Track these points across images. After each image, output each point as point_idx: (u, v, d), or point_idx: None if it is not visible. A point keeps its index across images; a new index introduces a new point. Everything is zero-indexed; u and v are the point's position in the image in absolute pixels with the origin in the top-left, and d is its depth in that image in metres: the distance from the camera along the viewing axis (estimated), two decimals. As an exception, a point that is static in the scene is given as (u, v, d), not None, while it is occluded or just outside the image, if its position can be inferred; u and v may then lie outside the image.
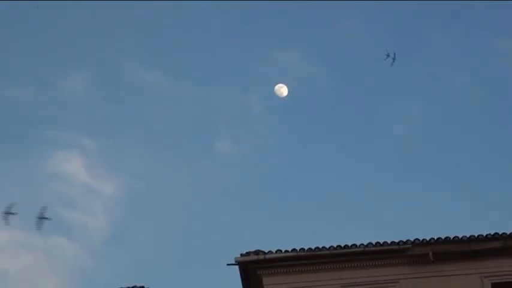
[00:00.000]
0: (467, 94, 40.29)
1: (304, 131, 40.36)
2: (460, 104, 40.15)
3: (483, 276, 19.15)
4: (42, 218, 23.92)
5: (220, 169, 41.14)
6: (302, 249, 19.34)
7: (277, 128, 40.97)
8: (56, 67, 41.25)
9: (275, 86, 32.94)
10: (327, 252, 19.31)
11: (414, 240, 19.34)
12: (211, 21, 40.86)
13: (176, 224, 40.03)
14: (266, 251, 19.35)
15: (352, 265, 19.35)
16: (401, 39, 41.02)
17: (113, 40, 41.58)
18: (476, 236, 19.30)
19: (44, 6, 38.47)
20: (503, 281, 19.13)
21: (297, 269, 19.36)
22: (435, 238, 19.37)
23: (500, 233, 19.26)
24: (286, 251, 19.36)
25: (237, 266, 19.58)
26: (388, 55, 24.54)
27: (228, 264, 19.58)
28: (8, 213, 23.76)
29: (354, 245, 19.34)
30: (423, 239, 19.37)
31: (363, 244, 19.32)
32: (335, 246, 19.35)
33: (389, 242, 19.36)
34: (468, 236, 19.31)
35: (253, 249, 19.38)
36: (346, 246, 19.32)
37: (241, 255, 19.35)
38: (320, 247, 19.34)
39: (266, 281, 19.41)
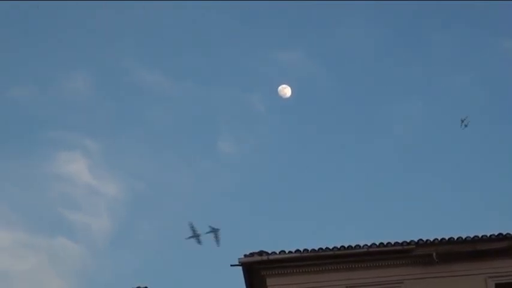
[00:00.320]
0: (468, 94, 40.27)
1: (306, 131, 40.39)
2: (461, 104, 40.11)
3: (487, 277, 19.11)
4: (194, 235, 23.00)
5: (223, 169, 41.15)
6: (306, 250, 19.33)
7: (279, 129, 40.99)
8: (57, 67, 41.36)
9: (277, 86, 32.91)
10: (331, 253, 19.29)
11: (418, 240, 19.32)
12: (212, 21, 40.89)
13: (179, 225, 39.94)
14: (270, 252, 19.34)
15: (356, 266, 19.32)
16: (402, 38, 41.12)
17: (114, 40, 41.65)
18: (480, 236, 19.27)
19: (44, 6, 38.53)
20: (508, 281, 19.09)
21: (300, 270, 19.34)
22: (439, 238, 19.34)
23: (504, 233, 19.23)
24: (290, 252, 19.34)
25: (240, 267, 19.56)
26: (462, 120, 23.96)
27: (231, 265, 19.57)
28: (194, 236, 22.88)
29: (358, 245, 19.31)
30: (427, 240, 19.35)
31: (366, 245, 19.30)
32: (339, 246, 19.32)
33: (393, 243, 19.33)
34: (472, 236, 19.29)
35: (256, 250, 19.36)
36: (350, 247, 19.30)
37: (245, 256, 19.33)
38: (324, 248, 19.33)
39: (270, 281, 19.39)
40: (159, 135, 41.44)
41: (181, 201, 40.53)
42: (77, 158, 40.07)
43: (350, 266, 19.32)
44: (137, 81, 41.23)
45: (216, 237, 22.67)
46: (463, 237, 19.29)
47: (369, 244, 19.31)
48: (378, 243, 19.32)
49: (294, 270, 19.38)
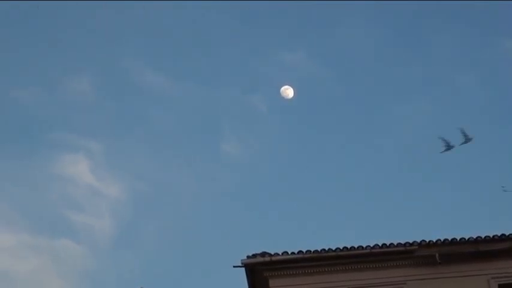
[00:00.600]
0: (470, 94, 40.26)
1: (308, 132, 40.35)
2: (462, 104, 40.10)
3: (490, 278, 19.10)
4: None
5: (225, 170, 41.13)
6: (308, 251, 19.32)
7: (281, 129, 40.97)
8: (60, 69, 41.36)
9: (280, 87, 32.88)
10: (334, 253, 19.28)
11: (421, 241, 19.30)
12: (213, 22, 40.88)
13: (182, 226, 40.05)
14: (272, 253, 19.33)
15: (359, 267, 19.32)
16: (403, 39, 41.07)
17: (115, 41, 41.63)
18: (483, 237, 19.25)
19: (44, 6, 38.54)
20: (511, 282, 19.08)
21: (303, 271, 19.34)
22: (442, 239, 19.33)
23: (507, 234, 19.21)
24: (293, 253, 19.34)
25: (243, 268, 19.56)
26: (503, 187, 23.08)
27: (234, 266, 19.55)
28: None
29: (361, 246, 19.30)
30: (430, 240, 19.33)
31: (369, 246, 19.29)
32: (341, 247, 19.31)
33: (395, 244, 19.32)
34: (475, 237, 19.27)
35: (259, 251, 19.36)
36: (352, 248, 19.29)
37: (248, 257, 19.32)
38: (326, 249, 19.32)
39: (272, 283, 19.39)
40: (161, 136, 41.48)
41: (184, 201, 40.56)
42: (80, 159, 40.10)
43: (353, 267, 19.31)
44: (139, 82, 41.27)
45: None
46: (466, 238, 19.28)
47: (371, 245, 19.30)
48: (380, 244, 19.31)
49: (297, 272, 19.38)
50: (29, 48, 40.49)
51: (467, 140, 22.78)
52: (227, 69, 41.34)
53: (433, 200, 36.88)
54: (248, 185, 40.91)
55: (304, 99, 38.60)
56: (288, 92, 32.10)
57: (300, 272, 19.35)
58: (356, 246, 19.32)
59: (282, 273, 19.37)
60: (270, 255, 19.30)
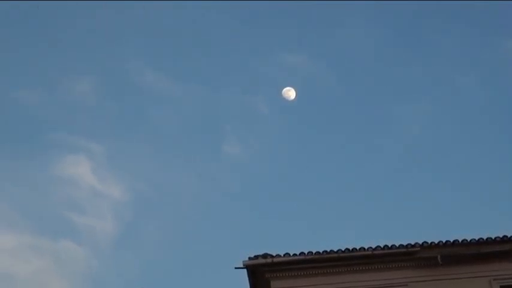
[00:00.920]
0: (471, 94, 40.26)
1: (310, 133, 40.37)
2: (464, 104, 40.13)
3: (492, 279, 19.10)
4: None
5: (227, 171, 41.17)
6: (310, 253, 19.33)
7: (283, 131, 40.98)
8: (61, 70, 41.36)
9: (282, 88, 32.94)
10: (335, 255, 19.29)
11: (422, 243, 19.31)
12: (216, 22, 40.93)
13: (184, 227, 40.09)
14: (274, 255, 19.34)
15: (361, 268, 19.32)
16: (405, 40, 41.11)
17: (116, 42, 41.67)
18: (484, 238, 19.27)
19: (44, 6, 38.58)
20: (512, 283, 19.12)
21: (305, 273, 19.35)
22: (443, 241, 19.33)
23: (508, 235, 19.22)
24: (295, 255, 19.35)
25: (245, 270, 19.58)
26: None
27: (236, 268, 19.57)
28: None
29: (362, 248, 19.30)
30: (431, 242, 19.34)
31: (371, 247, 19.29)
32: (343, 249, 19.32)
33: (397, 245, 19.33)
34: (477, 238, 19.29)
35: (261, 253, 19.38)
36: (354, 250, 19.29)
37: (249, 258, 19.34)
38: (328, 250, 19.33)
39: (274, 284, 19.40)
40: (162, 136, 41.52)
41: (185, 202, 40.58)
42: (81, 160, 40.13)
43: (354, 268, 19.31)
44: (139, 82, 41.29)
45: None
46: (468, 240, 19.29)
47: (373, 246, 19.31)
48: (382, 246, 19.32)
49: (299, 273, 19.38)
50: (29, 48, 40.57)
51: None
52: (228, 70, 41.40)
53: (435, 201, 36.96)
54: (249, 186, 40.97)
55: (306, 100, 38.65)
56: (290, 93, 32.16)
57: (302, 273, 19.36)
58: (358, 248, 19.33)
59: (284, 274, 19.38)
60: (271, 256, 19.31)
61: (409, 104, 40.52)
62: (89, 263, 38.87)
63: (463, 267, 19.19)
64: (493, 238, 19.26)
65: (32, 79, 40.90)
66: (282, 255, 19.34)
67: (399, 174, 39.44)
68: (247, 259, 19.34)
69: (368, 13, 40.74)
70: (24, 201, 39.85)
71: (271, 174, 40.71)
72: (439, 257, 19.11)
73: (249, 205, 40.22)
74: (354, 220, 36.85)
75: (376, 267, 19.32)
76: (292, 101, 32.95)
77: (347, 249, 19.34)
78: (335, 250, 19.35)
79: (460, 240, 19.31)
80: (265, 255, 19.31)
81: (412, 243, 19.33)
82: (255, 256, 19.33)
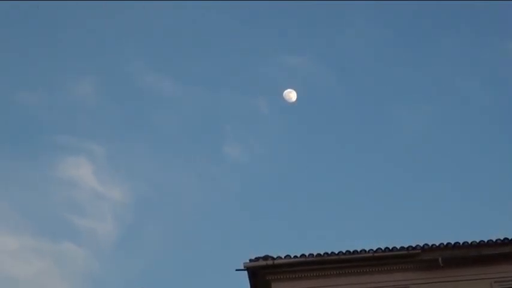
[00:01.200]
0: (476, 97, 40.23)
1: (312, 136, 40.34)
2: (469, 107, 40.09)
3: (493, 281, 19.09)
4: None
5: (228, 173, 41.13)
6: (311, 255, 19.32)
7: (284, 133, 40.93)
8: (62, 71, 41.31)
9: (282, 89, 32.92)
10: (336, 257, 19.28)
11: (423, 245, 19.30)
12: (218, 23, 40.88)
13: (184, 228, 40.06)
14: (275, 257, 19.33)
15: (362, 270, 19.31)
16: (406, 41, 41.05)
17: (117, 42, 41.61)
18: (485, 241, 19.25)
19: (44, 6, 38.57)
20: (513, 286, 19.10)
21: (306, 275, 19.34)
22: (444, 243, 19.32)
23: (509, 238, 19.21)
24: (295, 257, 19.34)
25: (245, 272, 19.57)
26: None
27: (236, 270, 19.58)
28: None
29: (363, 250, 19.30)
30: (432, 244, 19.33)
31: (372, 249, 19.29)
32: (344, 251, 19.32)
33: (398, 247, 19.32)
34: (478, 241, 19.27)
35: (262, 255, 19.38)
36: (355, 252, 19.29)
37: (250, 260, 19.34)
38: (329, 252, 19.33)
39: (275, 286, 19.40)
40: (163, 138, 41.46)
41: (186, 204, 40.55)
42: (82, 161, 40.09)
43: (355, 270, 19.31)
44: (140, 84, 41.22)
45: None
46: (469, 242, 19.27)
47: (374, 249, 19.30)
48: (383, 248, 19.31)
49: (299, 275, 19.38)
50: (29, 48, 40.52)
51: None
52: (228, 70, 41.33)
53: (436, 203, 36.90)
54: (250, 187, 40.94)
55: (307, 102, 38.60)
56: (291, 95, 32.11)
57: (303, 275, 19.35)
58: (359, 250, 19.32)
59: (285, 276, 19.37)
60: (272, 258, 19.31)
61: (409, 105, 40.52)
62: (90, 265, 38.86)
63: (464, 269, 19.18)
64: (494, 240, 19.24)
65: (32, 80, 40.88)
66: (283, 257, 19.33)
67: (400, 175, 39.43)
68: (248, 261, 19.34)
69: (368, 14, 40.76)
70: (25, 202, 39.85)
71: (272, 175, 40.71)
72: (440, 259, 19.09)
73: (250, 206, 40.21)
74: (355, 222, 36.83)
75: (377, 269, 19.30)
76: (293, 103, 32.92)
77: (348, 251, 19.34)
78: (336, 252, 19.34)
79: (461, 243, 19.29)
80: (266, 257, 19.31)
81: (413, 245, 19.32)
82: (255, 258, 19.33)
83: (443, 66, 40.30)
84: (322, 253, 19.34)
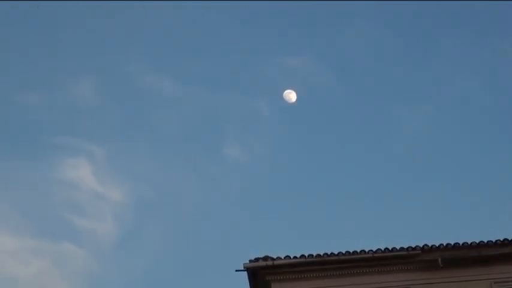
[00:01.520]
0: (477, 98, 40.22)
1: (312, 136, 40.34)
2: (469, 108, 40.10)
3: (493, 282, 19.09)
4: None
5: (228, 174, 41.12)
6: (311, 255, 19.33)
7: (284, 133, 40.94)
8: (62, 71, 41.25)
9: (282, 90, 32.94)
10: (336, 258, 19.29)
11: (423, 246, 19.31)
12: (218, 23, 40.86)
13: (184, 230, 40.07)
14: (275, 257, 19.34)
15: (361, 271, 19.32)
16: (407, 42, 41.04)
17: (117, 43, 41.49)
18: (485, 241, 19.25)
19: (44, 6, 38.54)
20: (513, 286, 19.11)
21: (305, 275, 19.35)
22: (444, 244, 19.33)
23: (509, 238, 19.22)
24: (295, 257, 19.34)
25: (245, 272, 19.57)
26: None
27: (236, 270, 19.58)
28: None
29: (363, 251, 19.31)
30: (432, 245, 19.34)
31: (371, 250, 19.30)
32: (344, 252, 19.33)
33: (398, 248, 19.33)
34: (477, 241, 19.27)
35: (261, 255, 19.38)
36: (355, 252, 19.30)
37: (250, 261, 19.34)
38: (329, 253, 19.33)
39: (275, 286, 19.40)
40: (164, 139, 41.45)
41: (186, 205, 40.57)
42: (82, 162, 40.09)
43: (355, 271, 19.31)
44: (140, 84, 41.17)
45: None
46: (469, 243, 19.28)
47: (374, 249, 19.31)
48: (383, 249, 19.32)
49: (299, 276, 19.38)
50: (30, 49, 40.49)
51: None
52: (228, 71, 41.29)
53: (435, 203, 36.92)
54: (250, 188, 40.93)
55: (307, 103, 38.60)
56: (291, 95, 32.14)
57: (302, 276, 19.36)
58: (358, 251, 19.33)
59: (284, 277, 19.38)
60: (272, 259, 19.31)
61: (409, 105, 40.52)
62: (90, 265, 38.87)
63: (463, 270, 19.19)
64: (494, 241, 19.24)
65: (32, 80, 40.82)
66: (283, 257, 19.34)
67: (400, 176, 39.43)
68: (247, 261, 19.34)
69: (368, 14, 40.73)
70: (25, 203, 39.85)
71: (272, 176, 40.72)
72: (439, 259, 19.10)
73: (250, 206, 40.22)
74: (355, 222, 36.85)
75: (376, 270, 19.31)
76: (293, 103, 32.93)
77: (347, 251, 19.35)
78: (335, 253, 19.35)
79: (460, 243, 19.30)
80: (265, 258, 19.32)
81: (413, 245, 19.32)
82: (255, 259, 19.33)
83: (443, 66, 40.35)
84: (322, 253, 19.34)
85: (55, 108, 40.95)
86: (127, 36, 41.43)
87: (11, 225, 38.94)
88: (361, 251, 19.33)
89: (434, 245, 19.34)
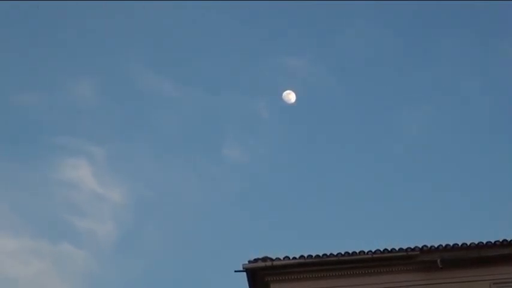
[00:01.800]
0: (477, 98, 40.21)
1: (312, 137, 40.33)
2: (470, 108, 40.09)
3: (492, 283, 19.07)
4: None
5: (228, 175, 41.13)
6: (310, 256, 19.32)
7: (285, 134, 40.93)
8: (62, 72, 41.24)
9: (282, 90, 32.94)
10: (335, 259, 19.28)
11: (422, 246, 19.29)
12: (218, 23, 40.86)
13: (184, 230, 40.07)
14: (274, 258, 19.34)
15: (361, 272, 19.31)
16: (408, 42, 41.02)
17: (117, 43, 41.51)
18: (485, 242, 19.24)
19: (44, 6, 38.52)
20: (512, 287, 19.09)
21: (305, 276, 19.34)
22: (443, 245, 19.32)
23: (509, 239, 19.19)
24: (294, 258, 19.34)
25: (244, 273, 19.57)
26: None
27: (235, 271, 19.57)
28: None
29: (362, 251, 19.30)
30: (431, 246, 19.32)
31: (371, 251, 19.28)
32: (343, 252, 19.32)
33: (397, 249, 19.31)
34: (477, 242, 19.25)
35: (261, 256, 19.37)
36: (354, 253, 19.29)
37: (249, 262, 19.33)
38: (328, 254, 19.32)
39: (274, 287, 19.39)
40: (164, 139, 41.45)
41: (186, 206, 40.57)
42: (82, 163, 40.08)
43: (354, 272, 19.30)
44: (140, 85, 41.16)
45: None
46: (468, 244, 19.26)
47: (373, 250, 19.30)
48: (382, 249, 19.31)
49: (298, 276, 19.38)
50: (30, 49, 40.48)
51: None
52: (228, 71, 41.30)
53: (435, 204, 36.89)
54: (249, 188, 40.94)
55: (306, 103, 38.60)
56: (290, 96, 32.16)
57: (301, 276, 19.35)
58: (357, 251, 19.32)
59: (283, 277, 19.38)
60: (271, 259, 19.31)
61: (409, 107, 40.50)
62: (89, 266, 38.88)
63: (463, 271, 19.17)
64: (493, 242, 19.23)
65: (31, 80, 40.83)
66: (282, 258, 19.34)
67: (399, 176, 39.43)
68: (247, 262, 19.34)
69: (368, 14, 40.71)
70: (25, 203, 39.84)
71: (272, 176, 40.72)
72: (439, 260, 19.08)
73: (249, 208, 40.23)
74: (354, 222, 36.85)
75: (375, 270, 19.30)
76: (292, 104, 32.93)
77: (347, 252, 19.34)
78: (335, 253, 19.34)
79: (460, 244, 19.28)
80: (265, 259, 19.31)
81: (412, 246, 19.31)
82: (254, 259, 19.33)
83: (443, 67, 40.33)
84: (321, 254, 19.33)
85: (55, 108, 40.97)
86: (127, 36, 41.46)
87: (11, 226, 38.95)
88: (360, 252, 19.32)
89: (434, 246, 19.33)
